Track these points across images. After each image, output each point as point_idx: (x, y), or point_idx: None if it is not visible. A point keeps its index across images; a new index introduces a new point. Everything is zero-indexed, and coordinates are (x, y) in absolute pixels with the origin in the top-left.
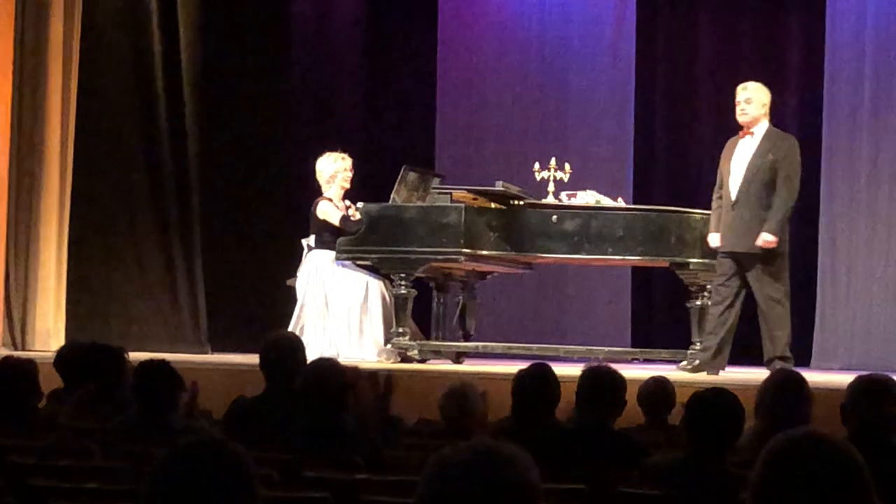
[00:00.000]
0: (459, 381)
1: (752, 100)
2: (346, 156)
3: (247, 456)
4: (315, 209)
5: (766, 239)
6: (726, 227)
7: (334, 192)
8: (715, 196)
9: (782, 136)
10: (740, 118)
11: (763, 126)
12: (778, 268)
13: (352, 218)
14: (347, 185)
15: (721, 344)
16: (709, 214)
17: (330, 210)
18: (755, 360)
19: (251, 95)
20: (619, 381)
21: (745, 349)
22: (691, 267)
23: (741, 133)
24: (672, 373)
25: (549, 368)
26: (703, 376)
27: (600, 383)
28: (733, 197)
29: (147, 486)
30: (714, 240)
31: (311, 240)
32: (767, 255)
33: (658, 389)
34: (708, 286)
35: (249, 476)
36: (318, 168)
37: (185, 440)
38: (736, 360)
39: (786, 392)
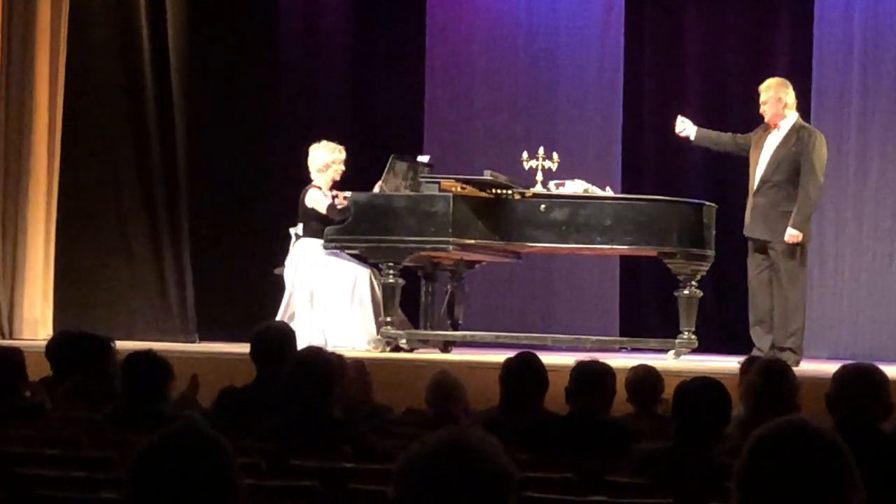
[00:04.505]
0: (442, 371)
1: (766, 98)
2: (342, 148)
3: (228, 445)
4: (304, 197)
5: (790, 234)
6: (747, 213)
7: (324, 182)
8: None
9: (808, 130)
10: (765, 116)
11: (790, 120)
12: (795, 262)
13: (338, 206)
14: (338, 178)
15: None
16: (696, 203)
17: (319, 198)
18: (742, 348)
19: (239, 86)
20: (609, 375)
21: (732, 337)
22: (679, 256)
23: (770, 127)
24: (661, 361)
25: (537, 357)
26: (687, 364)
27: (591, 378)
28: (754, 186)
29: (128, 475)
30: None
31: (299, 228)
32: (785, 249)
33: (645, 378)
34: (697, 275)
35: (230, 465)
36: (313, 155)
37: (165, 430)
38: (722, 349)
39: (770, 380)
